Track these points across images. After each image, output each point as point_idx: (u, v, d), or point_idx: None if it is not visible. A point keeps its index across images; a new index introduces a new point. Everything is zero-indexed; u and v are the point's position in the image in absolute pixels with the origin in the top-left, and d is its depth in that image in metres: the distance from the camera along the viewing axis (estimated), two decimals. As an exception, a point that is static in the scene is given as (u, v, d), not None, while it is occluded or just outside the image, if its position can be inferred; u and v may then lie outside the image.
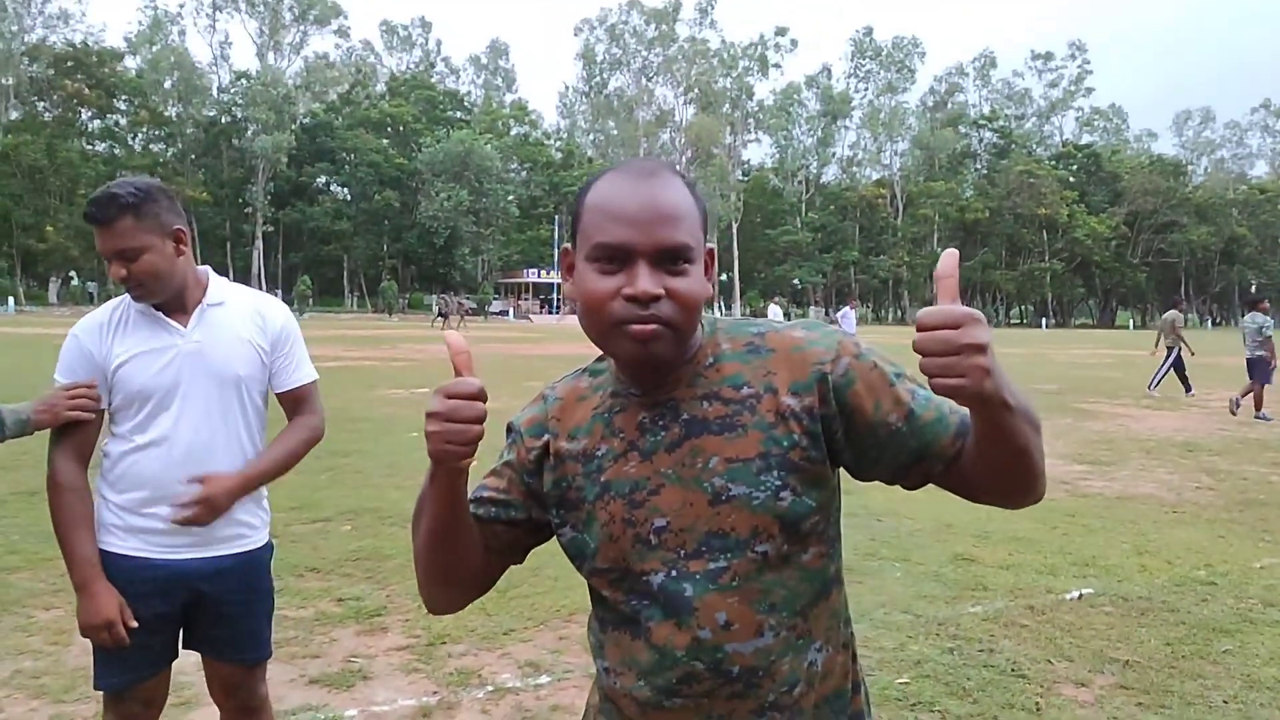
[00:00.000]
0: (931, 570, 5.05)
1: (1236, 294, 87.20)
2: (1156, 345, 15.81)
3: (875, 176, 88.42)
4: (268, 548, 2.26)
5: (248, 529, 2.19)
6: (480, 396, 1.03)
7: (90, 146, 67.57)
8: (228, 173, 69.66)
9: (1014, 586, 4.78)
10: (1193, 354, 15.59)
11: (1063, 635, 4.07)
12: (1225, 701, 3.43)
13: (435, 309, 50.09)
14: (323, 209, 70.48)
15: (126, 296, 2.12)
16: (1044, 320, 79.52)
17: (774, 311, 22.19)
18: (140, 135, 71.10)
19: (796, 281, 75.78)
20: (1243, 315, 15.84)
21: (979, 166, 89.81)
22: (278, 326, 2.19)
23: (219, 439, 2.09)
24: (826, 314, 73.58)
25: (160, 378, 2.05)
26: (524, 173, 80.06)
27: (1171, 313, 16.19)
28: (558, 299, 66.40)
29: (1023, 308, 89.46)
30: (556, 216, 75.25)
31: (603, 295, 1.08)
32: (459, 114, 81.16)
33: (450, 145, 66.89)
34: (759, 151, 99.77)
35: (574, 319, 1.26)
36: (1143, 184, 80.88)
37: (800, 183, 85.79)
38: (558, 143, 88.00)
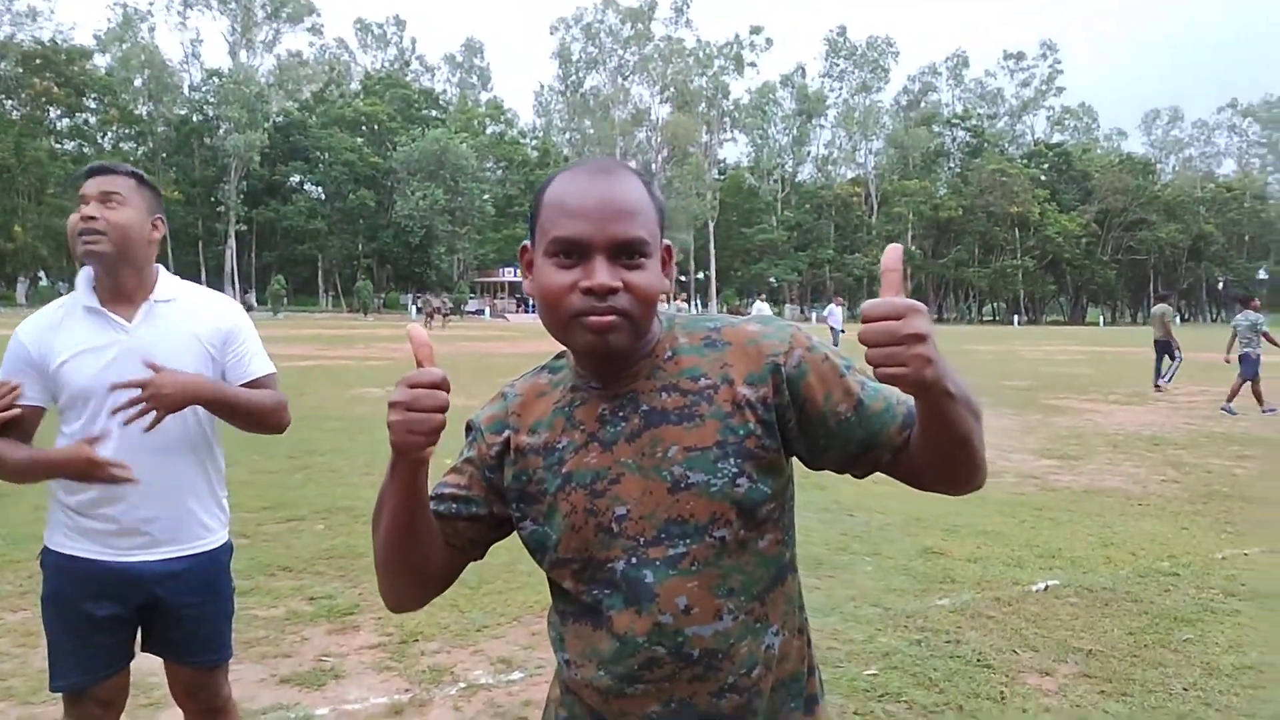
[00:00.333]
0: (901, 564, 5.11)
1: (1204, 291, 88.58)
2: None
3: (850, 175, 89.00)
4: (226, 549, 2.22)
5: (203, 530, 2.15)
6: (442, 386, 1.06)
7: (59, 145, 66.45)
8: (200, 171, 68.91)
9: (981, 579, 4.86)
10: (1175, 356, 15.70)
11: (1028, 626, 4.14)
12: (1185, 689, 3.51)
13: (418, 308, 49.85)
14: (296, 208, 69.88)
15: (73, 294, 2.10)
16: (1016, 317, 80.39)
17: (760, 309, 22.24)
18: (110, 134, 70.13)
19: (773, 279, 76.06)
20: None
21: (952, 165, 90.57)
22: (228, 324, 2.16)
23: (170, 438, 2.05)
24: (802, 311, 73.98)
25: (102, 376, 2.00)
26: (500, 171, 79.82)
27: (1161, 305, 16.42)
28: (534, 298, 66.29)
29: (995, 305, 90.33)
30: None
31: (560, 289, 1.10)
32: (434, 112, 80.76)
33: (425, 144, 66.55)
34: (735, 150, 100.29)
35: None
36: (1112, 182, 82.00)
37: (776, 181, 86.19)
38: (534, 141, 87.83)
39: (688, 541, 1.14)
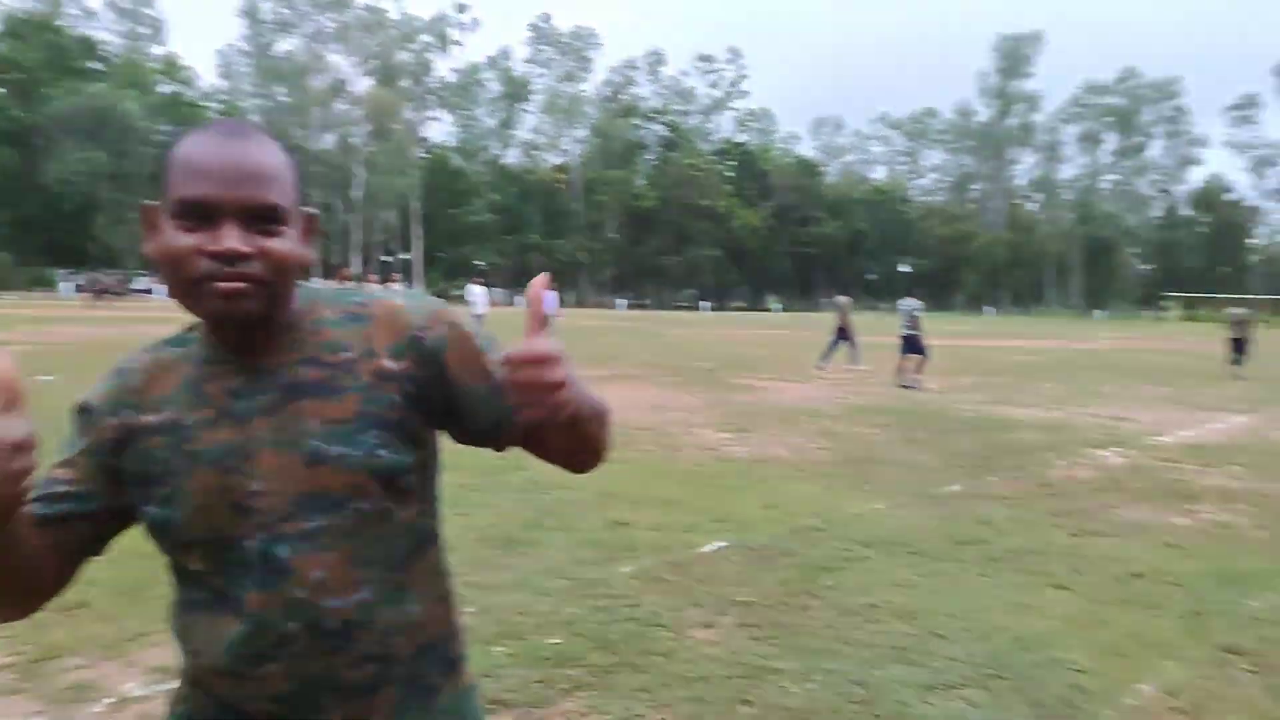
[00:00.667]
0: (590, 536, 5.35)
1: (863, 283, 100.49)
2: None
3: (556, 161, 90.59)
4: None
5: None
6: (28, 445, 0.90)
7: None
8: None
9: (660, 544, 5.21)
10: (855, 342, 17.91)
11: (697, 585, 4.51)
12: (824, 628, 4.01)
13: (79, 286, 43.69)
14: (-93, 163, 58.71)
15: None
16: (706, 303, 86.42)
17: (474, 292, 21.85)
18: None
19: (480, 263, 75.63)
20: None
21: (650, 158, 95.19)
22: None
23: None
24: (511, 296, 74.23)
25: None
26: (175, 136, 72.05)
27: (843, 298, 18.69)
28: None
29: (688, 291, 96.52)
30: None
31: (184, 252, 1.05)
32: (95, 65, 71.10)
33: (84, 100, 58.47)
34: (441, 130, 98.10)
35: None
36: (787, 181, 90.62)
37: (483, 164, 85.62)
38: (217, 105, 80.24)
39: (326, 515, 1.13)
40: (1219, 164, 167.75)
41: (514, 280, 79.51)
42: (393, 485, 1.17)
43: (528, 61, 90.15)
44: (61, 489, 1.16)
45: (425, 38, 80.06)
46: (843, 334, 17.79)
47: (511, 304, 65.45)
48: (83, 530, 1.17)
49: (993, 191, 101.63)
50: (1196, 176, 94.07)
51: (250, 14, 75.68)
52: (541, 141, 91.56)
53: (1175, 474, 7.91)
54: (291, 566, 1.12)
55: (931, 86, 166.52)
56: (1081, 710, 3.29)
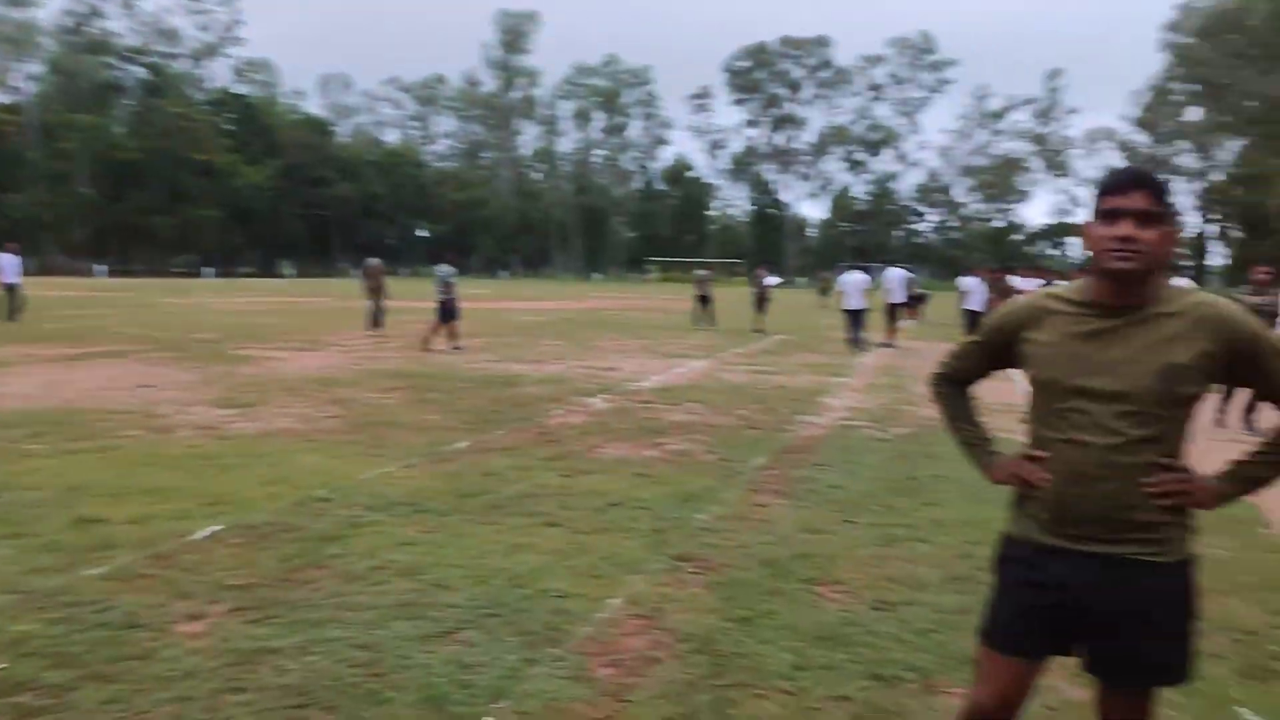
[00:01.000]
0: (48, 540, 4.60)
1: (381, 247, 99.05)
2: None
3: (3, 100, 74.77)
4: None
5: None
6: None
7: None
8: None
9: (142, 538, 4.66)
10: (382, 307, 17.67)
11: (185, 576, 4.13)
12: (328, 597, 3.93)
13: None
14: None
15: None
16: (210, 270, 78.47)
17: None
18: None
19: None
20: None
21: (130, 103, 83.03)
22: None
23: None
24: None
25: None
26: None
27: (373, 260, 19.34)
28: None
29: (187, 257, 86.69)
30: None
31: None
32: None
33: None
34: None
35: None
36: (295, 139, 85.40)
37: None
38: None
39: None
40: (683, 145, 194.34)
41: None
42: None
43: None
44: None
45: None
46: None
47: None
48: None
49: (501, 160, 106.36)
50: (667, 155, 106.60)
51: None
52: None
53: (648, 413, 9.13)
54: None
55: (440, 52, 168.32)
56: (563, 630, 3.67)
